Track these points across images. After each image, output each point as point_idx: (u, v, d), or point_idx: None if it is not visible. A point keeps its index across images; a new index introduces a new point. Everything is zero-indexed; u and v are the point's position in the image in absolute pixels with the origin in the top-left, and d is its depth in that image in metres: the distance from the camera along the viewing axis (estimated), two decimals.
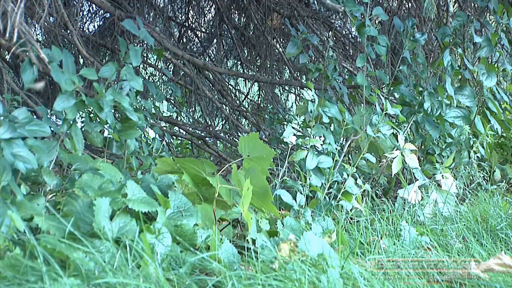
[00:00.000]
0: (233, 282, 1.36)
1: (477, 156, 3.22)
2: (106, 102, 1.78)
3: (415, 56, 3.21)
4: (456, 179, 3.10)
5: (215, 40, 6.12)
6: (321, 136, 2.55)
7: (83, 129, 1.90)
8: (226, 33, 5.92)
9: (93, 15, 5.38)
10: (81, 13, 5.09)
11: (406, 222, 2.38)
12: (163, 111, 5.77)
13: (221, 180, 1.90)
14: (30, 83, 1.62)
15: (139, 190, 1.69)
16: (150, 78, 5.88)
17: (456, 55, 3.38)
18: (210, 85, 5.40)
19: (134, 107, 2.11)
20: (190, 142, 5.05)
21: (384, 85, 3.94)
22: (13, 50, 1.64)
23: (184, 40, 6.02)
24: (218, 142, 5.40)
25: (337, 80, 2.93)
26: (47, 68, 1.66)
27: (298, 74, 5.54)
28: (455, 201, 2.79)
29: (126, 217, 1.57)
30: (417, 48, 3.20)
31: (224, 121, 6.10)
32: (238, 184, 1.89)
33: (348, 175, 2.53)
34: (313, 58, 4.39)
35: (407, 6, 4.71)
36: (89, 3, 5.01)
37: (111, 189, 1.72)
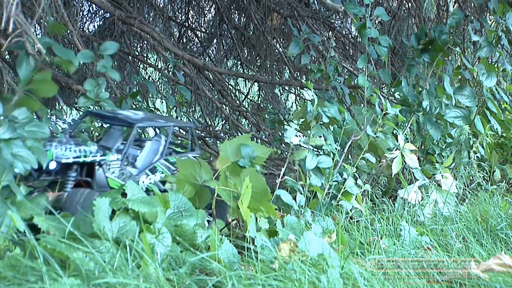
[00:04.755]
0: (233, 282, 1.36)
1: (477, 156, 3.21)
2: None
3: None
4: (456, 179, 3.10)
5: (215, 40, 6.11)
6: (321, 136, 2.54)
7: None
8: (226, 33, 5.91)
9: (93, 15, 5.37)
10: (81, 13, 5.08)
11: (406, 222, 2.38)
12: (162, 111, 5.76)
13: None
14: (27, 78, 1.60)
15: (139, 190, 1.69)
16: (149, 78, 5.87)
17: (456, 55, 3.38)
18: (210, 85, 5.39)
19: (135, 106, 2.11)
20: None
21: (384, 85, 3.94)
22: (10, 39, 1.62)
23: (184, 40, 6.01)
24: (218, 142, 5.39)
25: (338, 81, 2.93)
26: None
27: (298, 74, 5.54)
28: (455, 201, 2.79)
29: (126, 217, 1.57)
30: None
31: (224, 121, 6.09)
32: (234, 187, 1.89)
33: (348, 175, 2.53)
34: (313, 58, 4.38)
35: (407, 6, 4.70)
36: (89, 3, 5.00)
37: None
